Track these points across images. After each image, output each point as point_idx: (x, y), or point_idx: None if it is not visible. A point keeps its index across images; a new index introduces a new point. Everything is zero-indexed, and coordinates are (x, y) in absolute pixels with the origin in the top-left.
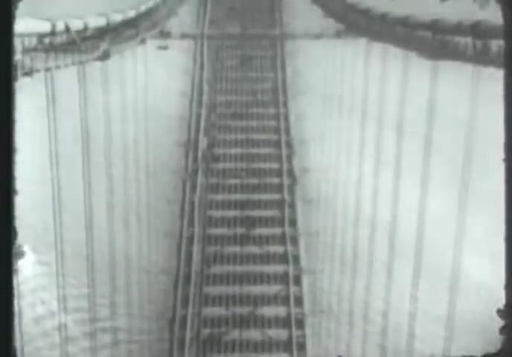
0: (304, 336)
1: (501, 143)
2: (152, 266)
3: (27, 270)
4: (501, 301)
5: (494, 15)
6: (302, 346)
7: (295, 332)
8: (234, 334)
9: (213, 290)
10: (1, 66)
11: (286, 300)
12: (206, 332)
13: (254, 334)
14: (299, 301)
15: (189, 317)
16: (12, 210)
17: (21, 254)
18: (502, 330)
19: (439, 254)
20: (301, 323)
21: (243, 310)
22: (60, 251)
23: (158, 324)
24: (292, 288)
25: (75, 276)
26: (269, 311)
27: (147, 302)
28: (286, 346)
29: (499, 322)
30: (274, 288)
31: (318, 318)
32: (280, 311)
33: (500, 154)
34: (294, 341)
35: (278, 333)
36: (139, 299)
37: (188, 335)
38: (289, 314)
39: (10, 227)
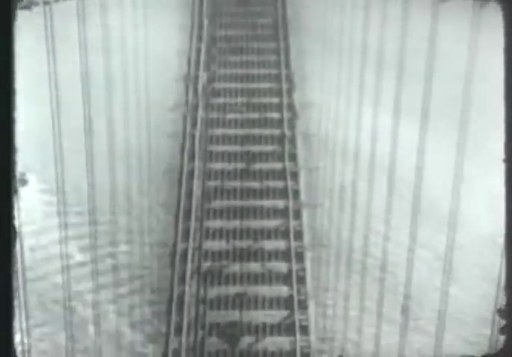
0: (303, 269)
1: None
2: (152, 198)
3: (31, 198)
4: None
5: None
6: (302, 280)
7: (295, 266)
8: (235, 267)
9: (213, 224)
10: (1, 66)
11: (285, 234)
12: (207, 265)
13: (254, 267)
14: (299, 235)
15: (190, 251)
16: (12, 210)
17: (24, 182)
18: (502, 330)
19: (437, 190)
20: (300, 257)
21: (243, 244)
22: (61, 179)
23: (159, 252)
24: (292, 223)
25: (78, 204)
26: (269, 244)
27: (148, 231)
28: (286, 279)
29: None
30: (274, 223)
31: (318, 252)
32: (280, 244)
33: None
34: (294, 274)
35: (278, 266)
36: (140, 228)
37: (189, 268)
38: (288, 248)
39: (10, 227)
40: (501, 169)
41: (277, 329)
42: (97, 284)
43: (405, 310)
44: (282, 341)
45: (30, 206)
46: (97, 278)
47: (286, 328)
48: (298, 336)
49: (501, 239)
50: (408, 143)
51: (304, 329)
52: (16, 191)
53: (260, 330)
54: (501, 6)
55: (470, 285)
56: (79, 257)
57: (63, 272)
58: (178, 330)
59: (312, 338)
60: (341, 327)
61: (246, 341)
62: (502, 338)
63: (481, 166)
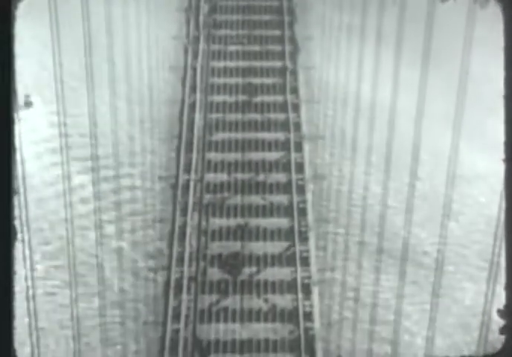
0: (304, 201)
1: None
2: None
3: (37, 120)
4: None
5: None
6: (303, 211)
7: (296, 198)
8: (236, 199)
9: (215, 156)
10: (1, 67)
11: (287, 167)
12: (208, 197)
13: (255, 199)
14: (300, 167)
15: (191, 183)
16: (12, 210)
17: (29, 104)
18: (502, 330)
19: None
20: (301, 189)
21: (245, 176)
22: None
23: (162, 185)
24: (293, 155)
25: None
26: (270, 177)
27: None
28: (287, 210)
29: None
30: (275, 155)
31: (319, 184)
32: (281, 177)
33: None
34: (295, 205)
35: (279, 198)
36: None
37: (191, 199)
38: (289, 180)
39: (10, 227)
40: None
41: (278, 260)
42: (98, 205)
43: (405, 245)
44: (283, 272)
45: (35, 127)
46: (99, 200)
47: (287, 259)
48: (299, 267)
49: (493, 179)
50: (409, 82)
51: (305, 260)
52: (15, 191)
53: (262, 261)
54: (501, 6)
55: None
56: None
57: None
58: (180, 261)
59: (313, 268)
60: (341, 259)
61: (247, 271)
62: (502, 338)
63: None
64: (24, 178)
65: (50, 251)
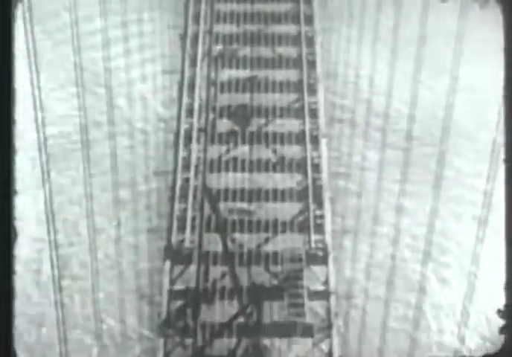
0: (313, 54)
1: None
2: None
3: None
4: None
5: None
6: (312, 64)
7: (305, 50)
8: (245, 50)
9: (224, 7)
10: (1, 67)
11: (296, 18)
12: (217, 48)
13: (265, 51)
14: (309, 19)
15: (200, 34)
16: (12, 210)
17: None
18: (502, 330)
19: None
20: (311, 41)
21: (254, 27)
22: None
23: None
24: (303, 7)
25: None
26: (279, 29)
27: None
28: (296, 62)
29: None
30: (285, 6)
31: (328, 36)
32: (290, 29)
33: None
34: (304, 58)
35: (288, 50)
36: None
37: (200, 50)
38: (299, 33)
39: (10, 227)
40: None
41: (286, 111)
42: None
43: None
44: (291, 124)
45: None
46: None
47: (296, 111)
48: (307, 119)
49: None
50: None
51: (313, 112)
52: (15, 191)
53: (270, 113)
54: (501, 6)
55: None
56: None
57: None
58: (190, 112)
59: (321, 121)
60: (348, 111)
61: (256, 122)
62: (502, 337)
63: None
64: None
65: None
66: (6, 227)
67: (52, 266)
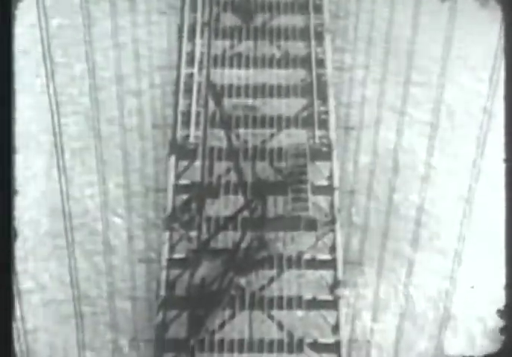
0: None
1: None
2: None
3: None
4: None
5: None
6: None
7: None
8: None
9: None
10: (1, 66)
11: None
12: None
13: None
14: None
15: None
16: (12, 210)
17: None
18: (502, 330)
19: None
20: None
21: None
22: None
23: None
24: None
25: None
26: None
27: None
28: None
29: None
30: None
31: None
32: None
33: None
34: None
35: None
36: None
37: None
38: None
39: (10, 227)
40: None
41: (291, 6)
42: None
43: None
44: (296, 19)
45: None
46: None
47: (300, 5)
48: (312, 14)
49: None
50: None
51: (318, 8)
52: (15, 191)
53: (274, 8)
54: (501, 6)
55: None
56: None
57: None
58: (194, 5)
59: (326, 16)
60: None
61: (260, 18)
62: (502, 338)
63: None
64: None
65: None
66: (6, 227)
67: None
